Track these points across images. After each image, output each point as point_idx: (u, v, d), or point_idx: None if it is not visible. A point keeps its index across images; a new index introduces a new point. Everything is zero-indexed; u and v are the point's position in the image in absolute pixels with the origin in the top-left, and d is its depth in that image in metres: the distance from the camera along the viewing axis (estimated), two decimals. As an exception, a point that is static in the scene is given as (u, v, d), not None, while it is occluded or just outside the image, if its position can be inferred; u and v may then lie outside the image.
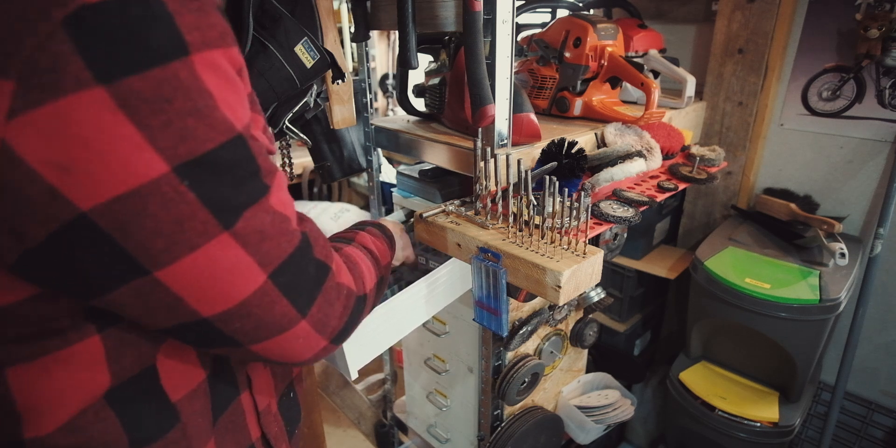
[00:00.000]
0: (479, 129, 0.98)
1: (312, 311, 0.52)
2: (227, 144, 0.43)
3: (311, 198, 3.30)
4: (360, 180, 3.35)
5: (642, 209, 1.06)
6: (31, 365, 0.46)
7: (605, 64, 1.25)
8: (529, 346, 1.25)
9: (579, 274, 0.80)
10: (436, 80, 1.17)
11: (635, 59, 1.32)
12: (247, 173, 0.45)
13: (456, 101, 1.10)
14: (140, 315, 0.46)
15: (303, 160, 2.86)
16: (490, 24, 0.89)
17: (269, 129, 0.58)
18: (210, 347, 0.51)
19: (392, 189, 1.29)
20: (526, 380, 1.22)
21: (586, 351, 1.47)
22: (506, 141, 1.00)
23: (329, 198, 3.43)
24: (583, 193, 0.84)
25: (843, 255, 1.40)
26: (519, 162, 0.93)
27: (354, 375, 0.83)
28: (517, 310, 1.15)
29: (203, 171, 0.42)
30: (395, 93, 1.85)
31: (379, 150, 1.32)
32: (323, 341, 0.55)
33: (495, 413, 1.25)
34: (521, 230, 0.89)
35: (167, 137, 0.39)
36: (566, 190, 0.84)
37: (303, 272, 0.51)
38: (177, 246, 0.42)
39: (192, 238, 0.42)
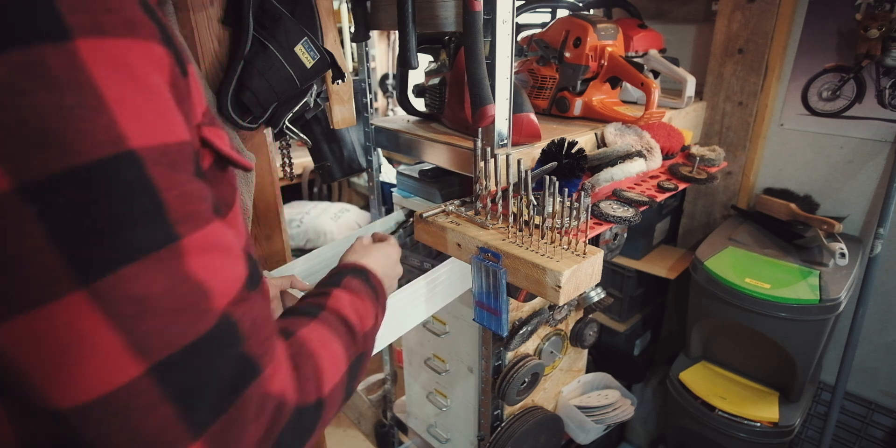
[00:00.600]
0: (479, 129, 0.98)
1: (212, 431, 0.36)
2: (105, 163, 0.32)
3: (311, 198, 3.30)
4: (360, 180, 3.35)
5: (642, 209, 1.06)
6: None
7: (605, 64, 1.25)
8: (529, 346, 1.25)
9: (579, 274, 0.80)
10: (436, 80, 1.17)
11: (635, 59, 1.32)
12: (137, 211, 0.33)
13: (456, 101, 1.10)
14: None
15: (303, 160, 2.87)
16: (490, 24, 0.89)
17: (236, 146, 0.50)
18: None
19: (392, 189, 1.29)
20: (526, 380, 1.22)
21: (586, 351, 1.47)
22: (506, 141, 1.00)
23: (329, 198, 3.44)
24: (583, 193, 0.84)
25: (843, 255, 1.40)
26: (519, 162, 0.93)
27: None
28: (517, 310, 1.15)
29: (61, 196, 0.31)
30: (395, 93, 1.85)
31: (379, 150, 1.32)
32: None
33: (495, 413, 1.25)
34: (521, 230, 0.89)
35: (12, 144, 0.30)
36: (566, 190, 0.84)
37: (209, 372, 0.37)
38: (10, 298, 0.32)
39: (32, 289, 0.32)
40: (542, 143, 1.07)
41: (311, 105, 1.04)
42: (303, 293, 0.86)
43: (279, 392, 0.42)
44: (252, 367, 0.39)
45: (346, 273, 0.69)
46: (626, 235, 1.46)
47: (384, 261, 0.79)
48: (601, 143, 1.24)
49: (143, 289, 0.34)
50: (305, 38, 0.92)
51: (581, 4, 1.62)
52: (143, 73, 0.35)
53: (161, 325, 0.34)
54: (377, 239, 0.88)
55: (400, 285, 0.96)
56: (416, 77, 1.24)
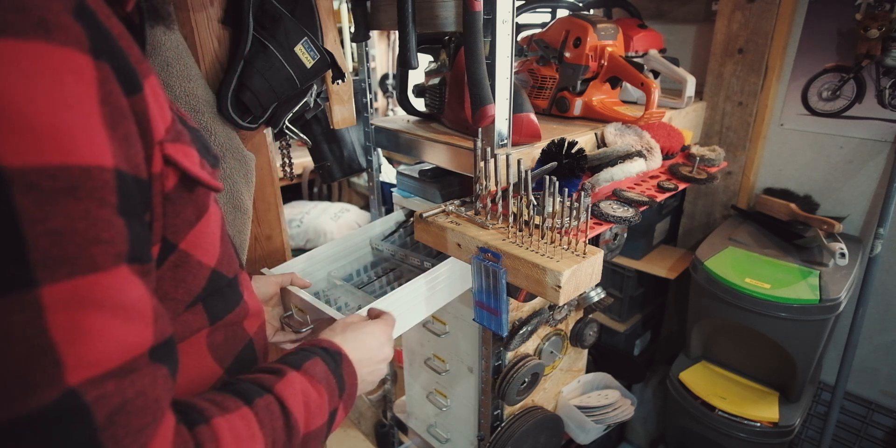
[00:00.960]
0: (479, 129, 0.98)
1: None
2: None
3: (311, 198, 3.30)
4: (360, 180, 3.35)
5: (642, 209, 1.06)
6: None
7: (605, 64, 1.25)
8: (529, 346, 1.25)
9: (579, 274, 0.80)
10: (436, 80, 1.17)
11: (635, 59, 1.32)
12: None
13: (456, 101, 1.10)
14: None
15: (303, 160, 2.87)
16: (490, 24, 0.89)
17: (207, 165, 0.45)
18: None
19: (392, 189, 1.29)
20: (526, 380, 1.22)
21: (586, 351, 1.47)
22: (506, 141, 1.00)
23: (329, 198, 3.43)
24: (583, 193, 0.84)
25: (843, 255, 1.40)
26: (519, 162, 0.93)
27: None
28: (517, 310, 1.15)
29: None
30: (395, 93, 1.85)
31: (379, 150, 1.32)
32: None
33: (495, 413, 1.25)
34: (521, 230, 0.89)
35: None
36: (566, 190, 0.84)
37: None
38: None
39: None
40: (542, 143, 1.07)
41: (311, 105, 1.04)
42: (303, 291, 0.86)
43: None
44: None
45: (315, 353, 0.58)
46: (626, 235, 1.47)
47: (370, 343, 0.67)
48: (601, 143, 1.24)
49: None
50: (305, 38, 0.92)
51: (581, 4, 1.62)
52: (52, 82, 0.30)
53: None
54: (373, 315, 0.76)
55: (400, 284, 0.96)
56: (416, 77, 1.24)
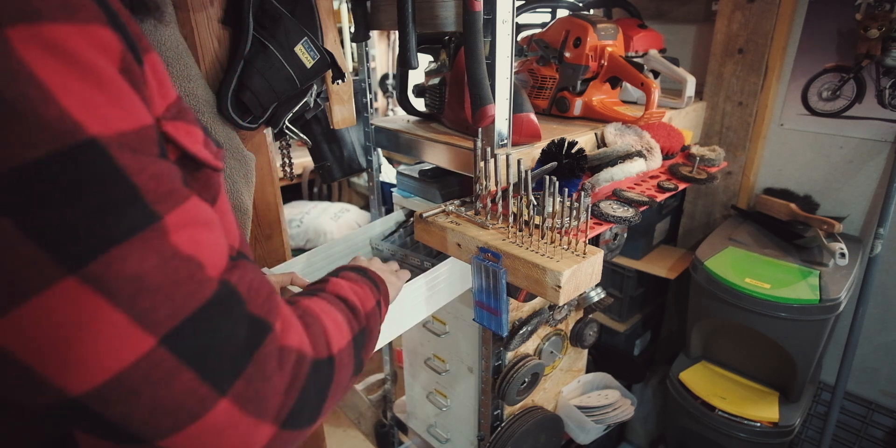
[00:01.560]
0: (479, 129, 0.98)
1: (237, 388, 0.38)
2: (63, 154, 0.32)
3: (311, 198, 3.30)
4: (360, 180, 3.35)
5: (642, 209, 1.06)
6: None
7: (605, 64, 1.25)
8: (529, 346, 1.25)
9: (579, 274, 0.80)
10: (436, 80, 1.17)
11: (635, 59, 1.32)
12: (111, 198, 0.34)
13: (456, 101, 1.10)
14: None
15: (303, 160, 2.87)
16: (490, 24, 0.89)
17: (212, 144, 0.49)
18: (113, 440, 0.37)
19: (392, 189, 1.29)
20: (526, 380, 1.22)
21: (586, 351, 1.47)
22: (506, 141, 1.00)
23: (329, 198, 3.44)
24: (583, 193, 0.84)
25: (843, 255, 1.40)
26: (519, 162, 0.93)
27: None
28: (517, 310, 1.15)
29: (22, 190, 0.31)
30: (395, 93, 1.85)
31: (379, 150, 1.32)
32: (267, 427, 0.40)
33: (495, 413, 1.25)
34: (521, 230, 0.89)
35: None
36: (566, 190, 0.84)
37: (221, 334, 0.38)
38: (1, 295, 0.32)
39: (18, 283, 0.32)
40: (542, 143, 1.07)
41: (311, 105, 1.04)
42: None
43: (296, 345, 0.44)
44: (262, 325, 0.41)
45: (344, 269, 0.71)
46: (626, 235, 1.47)
47: (384, 267, 0.80)
48: (601, 143, 1.24)
49: (135, 268, 0.34)
50: (305, 38, 0.92)
51: (581, 4, 1.62)
52: (88, 59, 0.33)
53: (162, 300, 0.35)
54: None
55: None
56: (416, 77, 1.24)
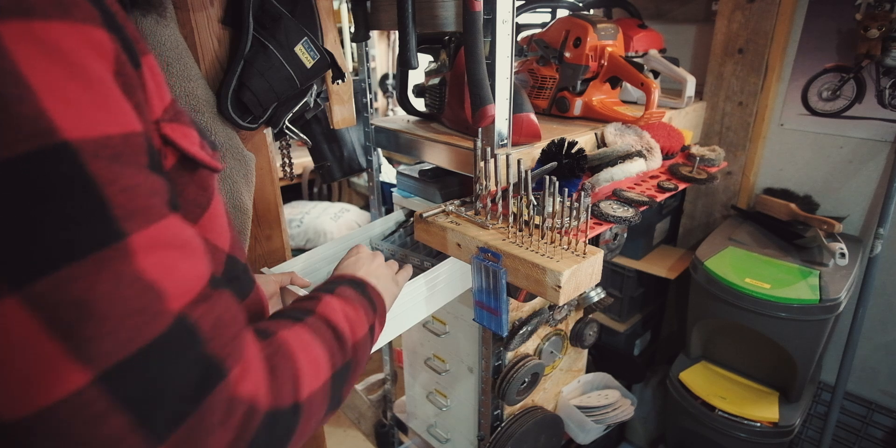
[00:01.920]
0: (479, 129, 0.98)
1: (175, 439, 0.34)
2: (34, 157, 0.29)
3: (311, 198, 3.30)
4: (360, 180, 3.35)
5: (642, 209, 1.06)
6: None
7: (605, 64, 1.25)
8: (529, 346, 1.25)
9: (579, 274, 0.80)
10: (436, 80, 1.17)
11: (635, 59, 1.32)
12: (75, 208, 0.31)
13: (456, 101, 1.10)
14: None
15: (303, 160, 2.87)
16: (490, 24, 0.89)
17: (208, 146, 0.47)
18: None
19: (392, 189, 1.29)
20: (526, 380, 1.22)
21: (586, 351, 1.47)
22: (506, 141, 1.00)
23: (329, 198, 3.43)
24: (583, 193, 0.84)
25: (843, 255, 1.40)
26: (519, 162, 0.93)
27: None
28: (517, 310, 1.15)
29: None
30: (395, 93, 1.85)
31: (379, 150, 1.32)
32: None
33: (495, 413, 1.25)
34: (521, 230, 0.89)
35: None
36: (566, 190, 0.84)
37: (166, 378, 0.34)
38: None
39: None
40: (542, 143, 1.07)
41: (311, 105, 1.04)
42: (303, 290, 0.86)
43: (249, 395, 0.39)
44: (216, 369, 0.36)
45: (341, 283, 0.66)
46: (626, 235, 1.47)
47: (384, 272, 0.76)
48: (601, 143, 1.24)
49: (83, 292, 0.31)
50: (305, 38, 0.92)
51: (581, 4, 1.62)
52: (79, 59, 0.32)
53: (108, 330, 0.31)
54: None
55: (400, 285, 0.96)
56: (416, 77, 1.24)
